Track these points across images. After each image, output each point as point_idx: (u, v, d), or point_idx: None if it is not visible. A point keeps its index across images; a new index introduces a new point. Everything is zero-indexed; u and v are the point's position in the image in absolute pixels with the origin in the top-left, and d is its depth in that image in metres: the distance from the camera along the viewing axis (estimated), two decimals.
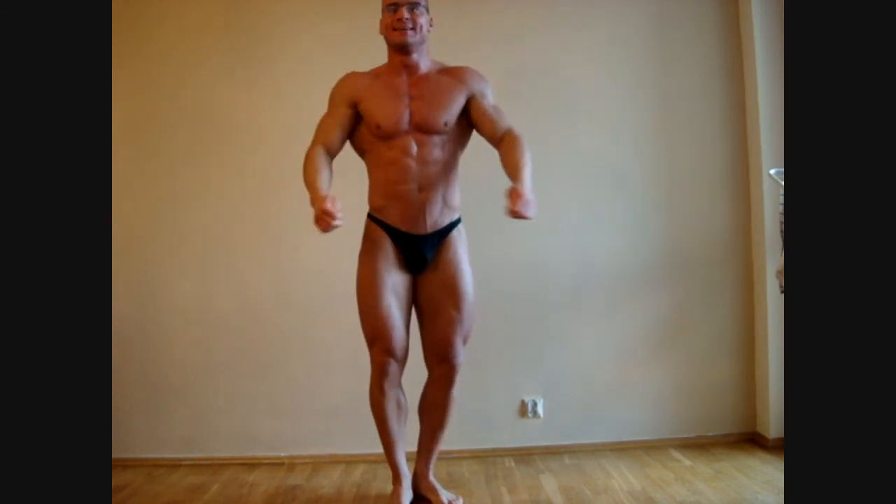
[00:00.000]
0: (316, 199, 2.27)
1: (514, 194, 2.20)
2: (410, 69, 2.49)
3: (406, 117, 2.43)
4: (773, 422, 3.14)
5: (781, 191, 2.69)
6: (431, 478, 2.63)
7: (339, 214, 2.21)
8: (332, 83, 2.54)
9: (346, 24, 3.18)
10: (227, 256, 3.18)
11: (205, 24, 3.20)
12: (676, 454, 3.12)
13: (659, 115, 3.26)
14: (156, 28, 3.20)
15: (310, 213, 3.08)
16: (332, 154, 2.48)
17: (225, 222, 3.19)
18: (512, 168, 2.36)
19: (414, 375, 2.66)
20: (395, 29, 2.43)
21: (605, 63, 3.25)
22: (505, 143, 2.43)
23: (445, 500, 2.56)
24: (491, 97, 2.53)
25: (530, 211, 2.20)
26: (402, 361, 2.53)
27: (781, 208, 2.69)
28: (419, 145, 2.43)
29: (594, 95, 3.24)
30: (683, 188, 3.27)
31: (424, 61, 2.51)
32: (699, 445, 3.20)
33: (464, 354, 2.55)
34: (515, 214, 2.19)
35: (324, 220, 2.21)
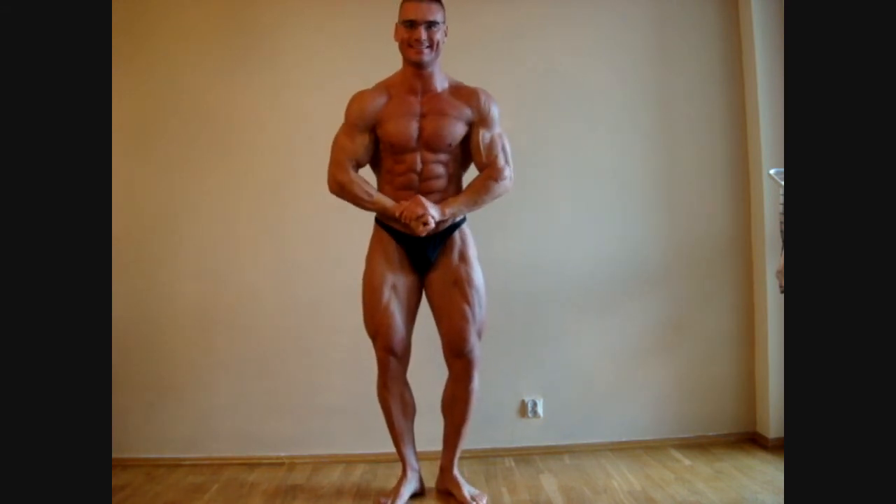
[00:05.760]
0: (397, 209, 2.50)
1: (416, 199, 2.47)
2: (424, 83, 2.53)
3: (415, 134, 2.49)
4: (773, 422, 3.14)
5: (781, 191, 2.69)
6: (456, 472, 2.67)
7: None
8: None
9: (345, 25, 3.18)
10: (227, 256, 3.18)
11: (204, 25, 3.20)
12: (676, 454, 3.12)
13: (659, 115, 3.26)
14: (155, 28, 3.19)
15: (310, 214, 3.13)
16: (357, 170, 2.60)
17: (225, 222, 3.19)
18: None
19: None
20: (410, 46, 2.45)
21: (605, 62, 3.25)
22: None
23: (468, 495, 2.60)
24: (496, 125, 2.57)
25: (413, 211, 2.44)
26: (403, 358, 2.61)
27: (781, 208, 2.69)
28: (424, 162, 2.51)
29: (594, 95, 3.24)
30: (683, 188, 3.27)
31: (439, 76, 2.55)
32: (699, 445, 3.20)
33: (480, 348, 2.58)
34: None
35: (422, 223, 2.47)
